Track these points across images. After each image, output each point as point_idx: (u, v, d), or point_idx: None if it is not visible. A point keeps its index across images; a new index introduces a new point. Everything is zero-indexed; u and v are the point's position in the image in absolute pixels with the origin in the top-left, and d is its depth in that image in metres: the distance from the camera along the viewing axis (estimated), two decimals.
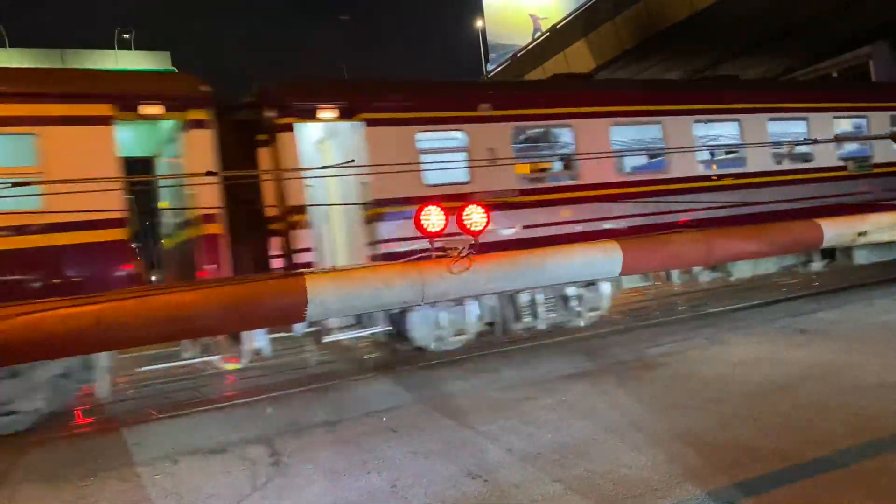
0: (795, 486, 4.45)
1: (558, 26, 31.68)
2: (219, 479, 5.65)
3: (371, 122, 9.29)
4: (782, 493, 4.37)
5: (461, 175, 9.77)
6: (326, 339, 8.94)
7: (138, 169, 10.47)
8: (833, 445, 5.06)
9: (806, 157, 12.79)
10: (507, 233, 9.91)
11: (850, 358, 7.65)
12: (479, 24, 47.54)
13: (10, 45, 36.33)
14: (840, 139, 13.00)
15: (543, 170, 11.96)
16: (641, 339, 10.04)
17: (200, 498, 5.31)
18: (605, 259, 9.28)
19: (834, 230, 10.99)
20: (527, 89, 13.12)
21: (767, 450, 5.09)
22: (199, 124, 8.35)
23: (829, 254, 11.99)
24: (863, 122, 13.82)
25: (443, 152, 9.92)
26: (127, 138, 8.66)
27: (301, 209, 8.85)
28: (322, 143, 10.10)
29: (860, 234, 11.16)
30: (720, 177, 11.98)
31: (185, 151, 8.40)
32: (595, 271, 9.41)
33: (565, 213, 10.38)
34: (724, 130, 12.72)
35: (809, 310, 11.07)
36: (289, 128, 8.96)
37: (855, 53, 26.37)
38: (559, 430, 6.02)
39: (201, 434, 7.11)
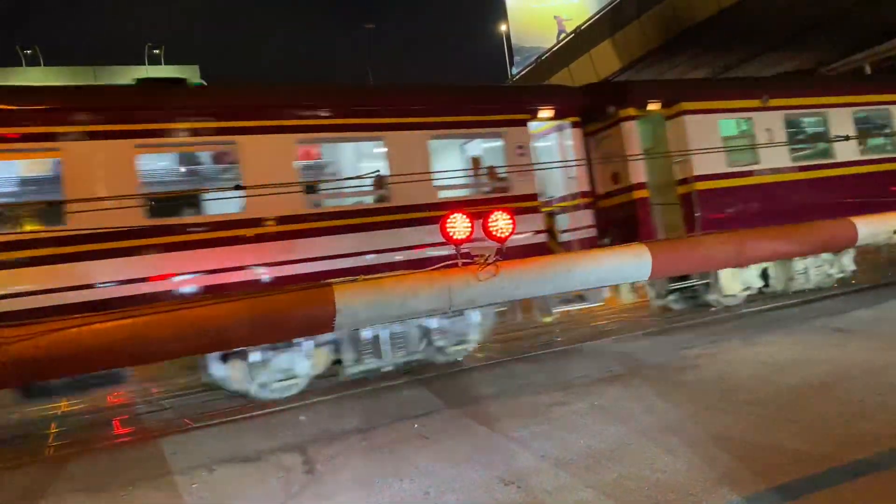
0: (836, 489, 4.37)
1: (583, 27, 31.52)
2: (254, 488, 5.72)
3: None
4: (822, 496, 4.29)
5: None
6: None
7: None
8: (874, 447, 4.96)
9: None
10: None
11: (889, 357, 7.48)
12: (503, 27, 47.53)
13: (44, 64, 37.32)
14: None
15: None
16: (674, 341, 9.90)
17: None
18: (634, 263, 9.19)
19: (868, 229, 10.76)
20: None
21: (806, 452, 5.00)
22: None
23: None
24: None
25: None
26: None
27: None
28: None
29: (895, 231, 10.92)
30: None
31: None
32: (624, 275, 9.32)
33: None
34: None
35: (846, 308, 10.83)
36: None
37: (889, 45, 25.78)
38: (592, 435, 5.98)
39: (236, 442, 7.19)
